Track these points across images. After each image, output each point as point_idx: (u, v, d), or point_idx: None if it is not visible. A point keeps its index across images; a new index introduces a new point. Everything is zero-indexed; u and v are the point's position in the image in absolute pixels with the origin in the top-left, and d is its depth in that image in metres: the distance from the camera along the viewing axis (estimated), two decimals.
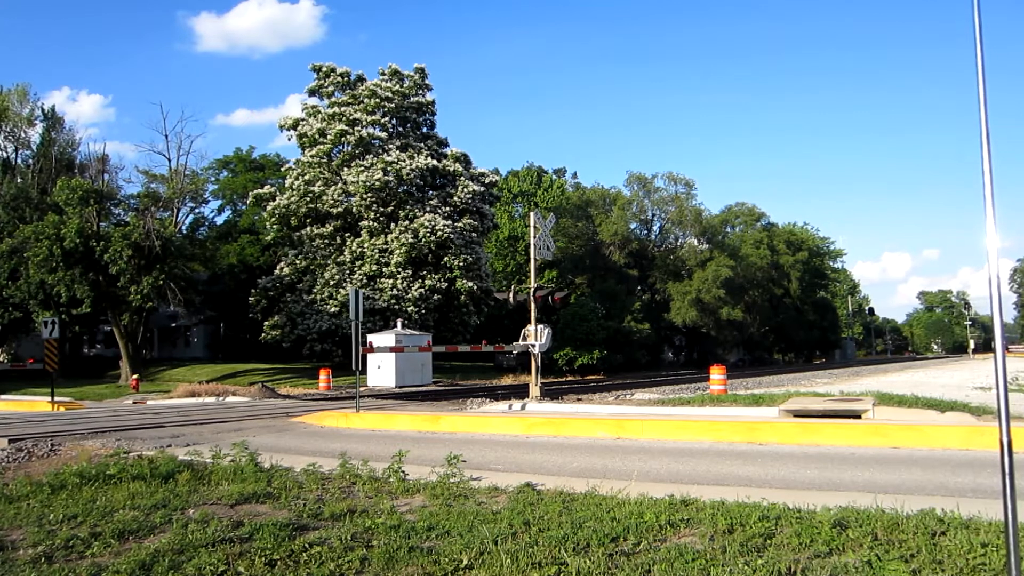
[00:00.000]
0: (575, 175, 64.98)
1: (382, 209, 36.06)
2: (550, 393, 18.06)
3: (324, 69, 38.45)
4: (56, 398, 18.66)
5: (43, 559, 4.19)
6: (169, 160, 39.72)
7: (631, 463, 7.50)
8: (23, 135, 40.82)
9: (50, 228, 31.16)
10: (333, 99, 38.08)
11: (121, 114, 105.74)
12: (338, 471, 6.59)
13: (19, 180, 38.56)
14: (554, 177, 60.78)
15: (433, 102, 39.37)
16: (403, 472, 6.25)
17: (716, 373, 16.41)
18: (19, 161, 41.24)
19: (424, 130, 39.58)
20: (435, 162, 37.32)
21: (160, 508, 5.33)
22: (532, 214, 17.99)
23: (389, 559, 3.96)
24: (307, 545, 4.23)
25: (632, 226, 50.93)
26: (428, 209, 36.13)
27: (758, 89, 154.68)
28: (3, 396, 23.96)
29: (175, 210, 39.15)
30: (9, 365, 39.70)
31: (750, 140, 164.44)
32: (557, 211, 44.03)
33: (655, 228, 53.00)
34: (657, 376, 34.57)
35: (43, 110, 41.86)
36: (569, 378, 35.77)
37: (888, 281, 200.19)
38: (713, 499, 5.05)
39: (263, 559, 4.00)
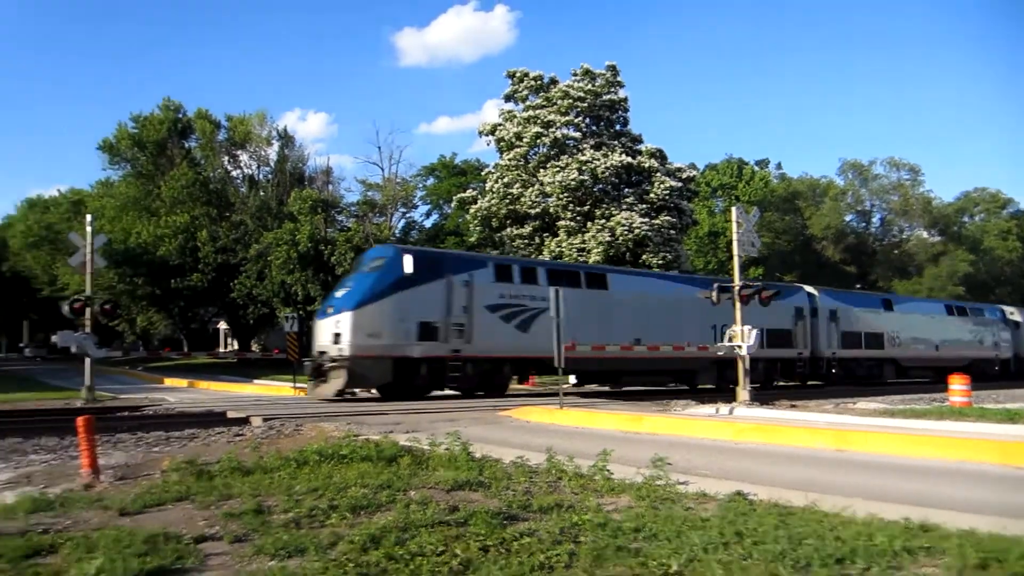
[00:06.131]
0: (779, 166, 60.83)
1: (578, 208, 36.45)
2: (759, 398, 17.07)
3: (518, 74, 39.71)
4: (297, 384, 21.26)
5: (293, 524, 4.81)
6: (382, 169, 43.44)
7: (854, 478, 6.85)
8: (263, 154, 47.15)
9: (287, 234, 35.72)
10: (528, 103, 39.19)
11: (343, 129, 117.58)
12: (544, 465, 6.75)
13: (262, 193, 44.51)
14: (756, 169, 57.36)
15: (625, 99, 39.01)
16: (608, 471, 6.25)
17: (957, 383, 14.38)
18: (261, 177, 47.59)
19: (617, 127, 39.34)
20: (629, 159, 36.96)
21: (385, 488, 5.83)
22: (733, 208, 17.17)
23: (597, 556, 3.96)
24: (517, 535, 4.37)
25: (847, 218, 46.66)
26: (624, 207, 35.88)
27: (999, 60, 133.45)
28: (256, 380, 27.90)
29: (389, 215, 42.74)
30: (260, 354, 46.05)
31: (989, 117, 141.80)
32: (761, 204, 41.59)
33: (875, 220, 48.07)
34: (879, 383, 31.22)
35: (278, 131, 47.85)
36: (781, 384, 33.41)
37: None
38: (960, 527, 4.44)
39: (477, 544, 4.19)
